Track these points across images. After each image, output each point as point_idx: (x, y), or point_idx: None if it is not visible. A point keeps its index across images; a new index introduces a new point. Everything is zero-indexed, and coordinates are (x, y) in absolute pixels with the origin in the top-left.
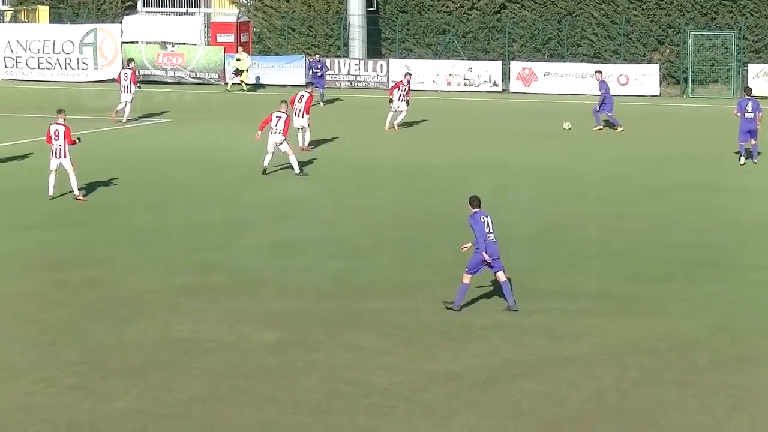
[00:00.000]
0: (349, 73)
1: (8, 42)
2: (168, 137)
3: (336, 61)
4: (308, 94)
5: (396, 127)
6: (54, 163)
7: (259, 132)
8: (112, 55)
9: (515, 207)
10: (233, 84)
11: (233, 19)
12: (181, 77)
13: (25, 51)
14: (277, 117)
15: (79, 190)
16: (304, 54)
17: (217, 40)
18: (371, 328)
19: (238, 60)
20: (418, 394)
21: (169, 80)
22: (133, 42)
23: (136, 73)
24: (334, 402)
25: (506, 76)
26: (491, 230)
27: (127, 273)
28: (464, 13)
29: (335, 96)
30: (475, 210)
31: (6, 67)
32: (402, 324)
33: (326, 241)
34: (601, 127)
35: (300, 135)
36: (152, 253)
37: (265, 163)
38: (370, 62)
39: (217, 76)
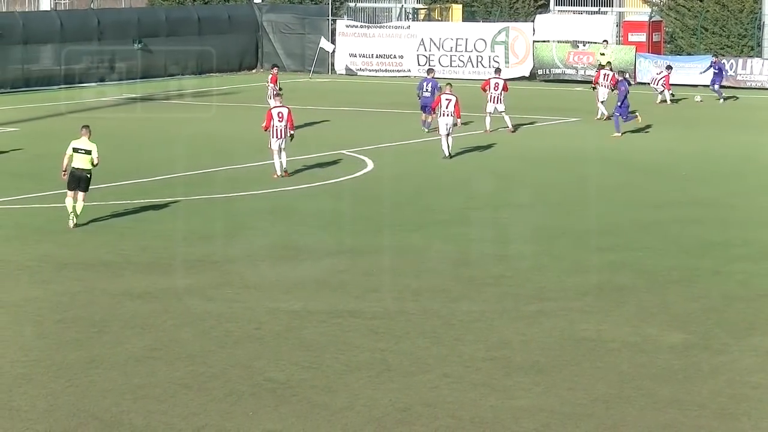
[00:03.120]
0: (761, 74)
1: (422, 40)
2: (578, 136)
3: (749, 61)
4: (503, 81)
5: None
6: (275, 144)
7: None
8: (523, 53)
9: None
10: None
11: (646, 18)
12: (592, 76)
13: (438, 49)
14: (447, 99)
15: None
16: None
17: (629, 40)
18: None
19: (602, 54)
20: None
21: (579, 79)
22: (544, 41)
23: None
24: (739, 406)
25: None
26: None
27: (533, 271)
28: None
29: (745, 96)
30: None
31: (419, 64)
32: None
33: (734, 243)
34: None
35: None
36: (559, 252)
37: (445, 150)
38: None
39: (628, 76)
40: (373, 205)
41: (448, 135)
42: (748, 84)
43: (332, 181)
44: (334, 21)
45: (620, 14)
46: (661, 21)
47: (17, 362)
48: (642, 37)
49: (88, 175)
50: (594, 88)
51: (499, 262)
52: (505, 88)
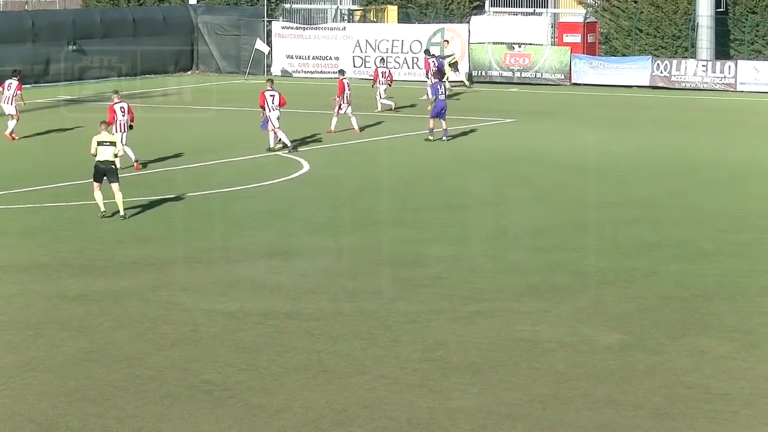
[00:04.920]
0: (695, 75)
1: (358, 41)
2: (513, 137)
3: (683, 62)
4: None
5: None
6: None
7: None
8: (459, 55)
9: None
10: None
11: (580, 19)
12: (527, 78)
13: (374, 50)
14: (270, 95)
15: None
16: (651, 55)
17: (564, 41)
18: (714, 332)
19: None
20: (761, 400)
21: (515, 81)
22: (480, 42)
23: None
24: (674, 406)
25: None
26: None
27: (470, 272)
28: None
29: (682, 97)
30: None
31: (354, 66)
32: (746, 328)
33: (669, 244)
34: None
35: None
36: (496, 252)
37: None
38: (718, 64)
39: (563, 77)
40: (310, 206)
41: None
42: (683, 85)
43: (268, 183)
44: (270, 22)
45: (555, 15)
46: (596, 22)
47: None
48: (577, 39)
49: (113, 166)
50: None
51: (436, 263)
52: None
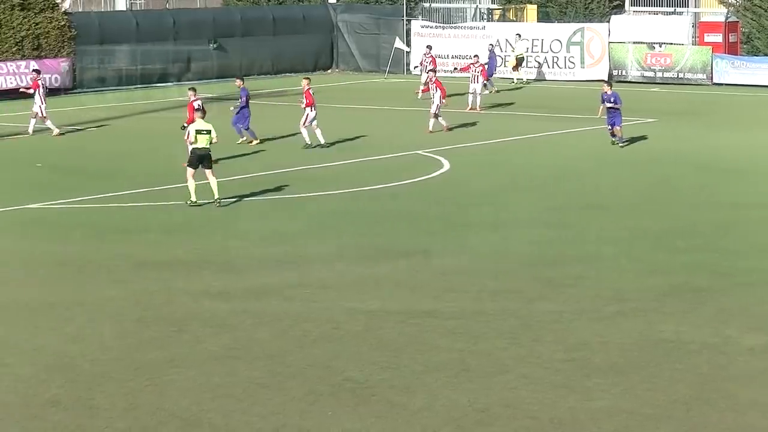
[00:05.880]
0: None
1: (497, 41)
2: (654, 137)
3: None
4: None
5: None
6: None
7: None
8: (599, 54)
9: None
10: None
11: (721, 19)
12: (669, 78)
13: (513, 50)
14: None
15: None
16: None
17: (705, 41)
18: None
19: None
20: None
21: (657, 81)
22: (620, 42)
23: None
24: None
25: None
26: None
27: (612, 272)
28: None
29: None
30: None
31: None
32: None
33: None
34: None
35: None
36: (637, 253)
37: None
38: None
39: (705, 77)
40: (450, 205)
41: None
42: None
43: (408, 182)
44: (409, 21)
45: (696, 15)
46: (738, 22)
47: (97, 361)
48: (718, 38)
49: (209, 153)
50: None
51: (578, 263)
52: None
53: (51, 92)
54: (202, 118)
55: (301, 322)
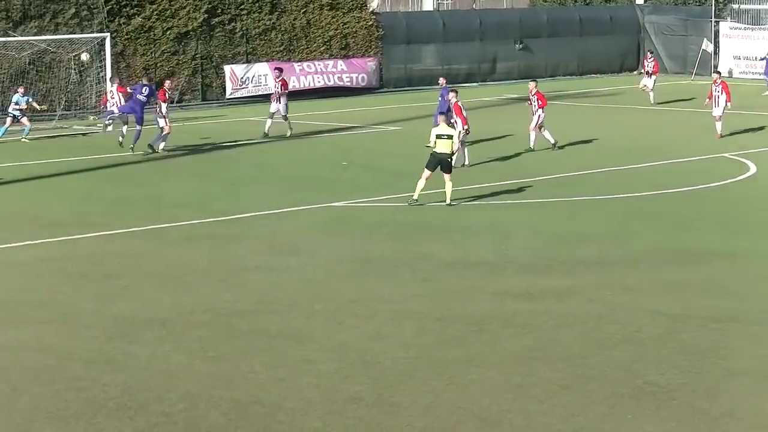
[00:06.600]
0: None
1: None
2: None
3: None
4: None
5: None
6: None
7: None
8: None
9: None
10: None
11: None
12: None
13: None
14: None
15: None
16: None
17: None
18: None
19: None
20: None
21: None
22: None
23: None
24: None
25: None
26: None
27: None
28: None
29: None
30: None
31: None
32: None
33: None
34: None
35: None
36: None
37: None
38: None
39: None
40: (758, 209)
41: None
42: None
43: (712, 185)
44: (717, 23)
45: None
46: None
47: (398, 359)
48: None
49: (449, 159)
50: None
51: None
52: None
53: (358, 91)
54: (446, 122)
55: (603, 324)
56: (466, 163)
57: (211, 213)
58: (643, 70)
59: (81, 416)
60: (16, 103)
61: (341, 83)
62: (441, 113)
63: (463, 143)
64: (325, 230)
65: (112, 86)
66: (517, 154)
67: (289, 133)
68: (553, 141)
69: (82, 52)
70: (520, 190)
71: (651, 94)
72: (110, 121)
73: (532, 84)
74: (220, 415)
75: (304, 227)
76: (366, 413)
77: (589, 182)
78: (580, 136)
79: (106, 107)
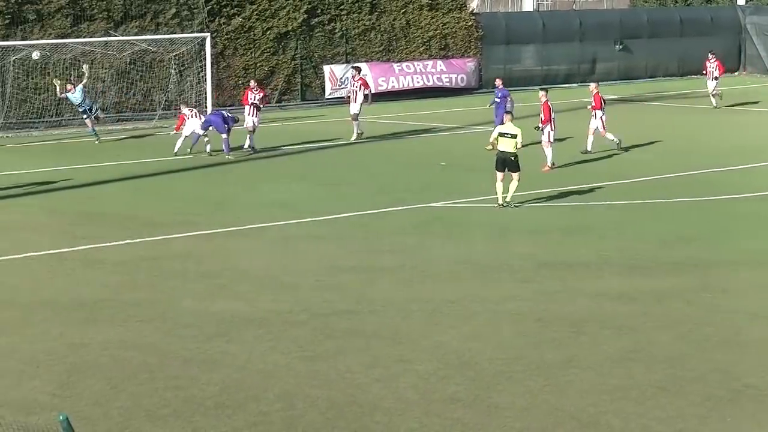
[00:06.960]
0: None
1: None
2: None
3: None
4: None
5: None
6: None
7: None
8: None
9: None
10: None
11: None
12: None
13: None
14: None
15: None
16: None
17: None
18: None
19: None
20: None
21: None
22: None
23: None
24: None
25: None
26: None
27: None
28: None
29: None
30: None
31: None
32: None
33: None
34: None
35: None
36: None
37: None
38: None
39: None
40: None
41: None
42: None
43: None
44: None
45: None
46: None
47: (496, 360)
48: None
49: (513, 158)
50: None
51: None
52: None
53: (457, 92)
54: (511, 120)
55: (702, 327)
56: (549, 164)
57: (308, 213)
58: (704, 72)
59: (179, 415)
60: (76, 104)
61: (440, 84)
62: (507, 113)
63: (550, 142)
64: (422, 230)
65: (183, 109)
66: (612, 155)
67: (353, 137)
68: (586, 148)
69: (33, 51)
70: (617, 191)
71: (713, 99)
72: (206, 138)
73: (593, 85)
74: (317, 414)
75: (400, 227)
76: (463, 414)
77: (680, 183)
78: (680, 137)
79: (180, 132)
